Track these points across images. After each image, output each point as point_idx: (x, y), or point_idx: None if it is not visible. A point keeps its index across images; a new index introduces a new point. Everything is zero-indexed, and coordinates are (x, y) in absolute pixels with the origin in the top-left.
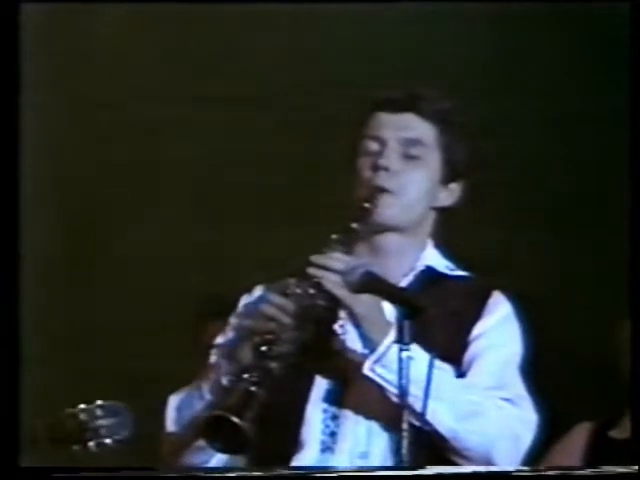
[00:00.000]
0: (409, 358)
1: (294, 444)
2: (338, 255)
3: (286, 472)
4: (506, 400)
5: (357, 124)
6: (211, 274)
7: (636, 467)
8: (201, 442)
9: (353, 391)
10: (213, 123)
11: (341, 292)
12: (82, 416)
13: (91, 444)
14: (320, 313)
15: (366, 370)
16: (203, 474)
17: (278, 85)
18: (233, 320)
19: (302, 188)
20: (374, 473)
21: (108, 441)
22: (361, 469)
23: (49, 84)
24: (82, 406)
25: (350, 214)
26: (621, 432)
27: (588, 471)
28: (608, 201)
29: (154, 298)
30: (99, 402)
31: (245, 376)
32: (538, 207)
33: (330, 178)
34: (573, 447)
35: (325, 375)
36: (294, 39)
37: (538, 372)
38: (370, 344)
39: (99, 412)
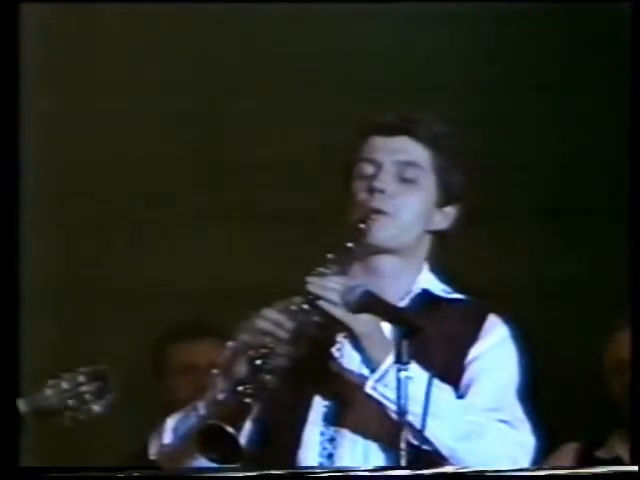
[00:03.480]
0: (407, 378)
1: (292, 466)
2: (336, 278)
3: (286, 472)
4: (504, 422)
5: (352, 148)
6: (212, 275)
7: (636, 467)
8: (198, 460)
9: (351, 411)
10: (212, 122)
11: (340, 313)
12: (64, 384)
13: (77, 412)
14: (315, 329)
15: (368, 389)
16: (203, 474)
17: (278, 85)
18: (230, 341)
19: (302, 188)
20: (374, 473)
21: (94, 406)
22: (361, 469)
23: (49, 84)
24: (64, 374)
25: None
26: (607, 452)
27: (588, 471)
28: (608, 207)
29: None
30: (81, 369)
31: (240, 389)
32: (535, 225)
33: (331, 179)
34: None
35: (323, 395)
36: (294, 39)
37: (536, 389)
38: (371, 363)
39: (81, 378)
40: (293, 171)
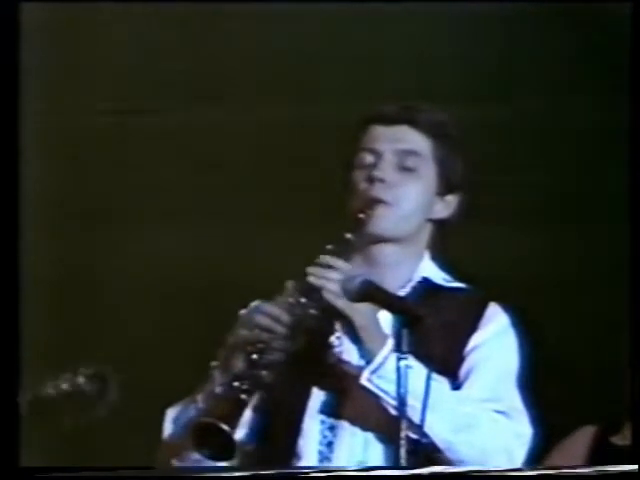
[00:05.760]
0: (407, 367)
1: (292, 454)
2: (338, 262)
3: (287, 472)
4: (501, 413)
5: (352, 137)
6: (211, 275)
7: (636, 467)
8: (195, 453)
9: (349, 402)
10: (213, 121)
11: (341, 303)
12: (64, 385)
13: (78, 413)
14: (313, 322)
15: (363, 380)
16: (202, 474)
17: (278, 84)
18: (230, 334)
19: (302, 188)
20: (372, 473)
21: (95, 409)
22: (360, 469)
23: (49, 83)
24: (64, 375)
25: (346, 225)
26: (622, 438)
27: (588, 471)
28: (608, 207)
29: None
30: (81, 369)
31: (235, 384)
32: (535, 216)
33: (330, 179)
34: (575, 450)
35: (321, 386)
36: (294, 39)
37: (537, 379)
38: (367, 355)
39: (81, 379)
40: (293, 171)
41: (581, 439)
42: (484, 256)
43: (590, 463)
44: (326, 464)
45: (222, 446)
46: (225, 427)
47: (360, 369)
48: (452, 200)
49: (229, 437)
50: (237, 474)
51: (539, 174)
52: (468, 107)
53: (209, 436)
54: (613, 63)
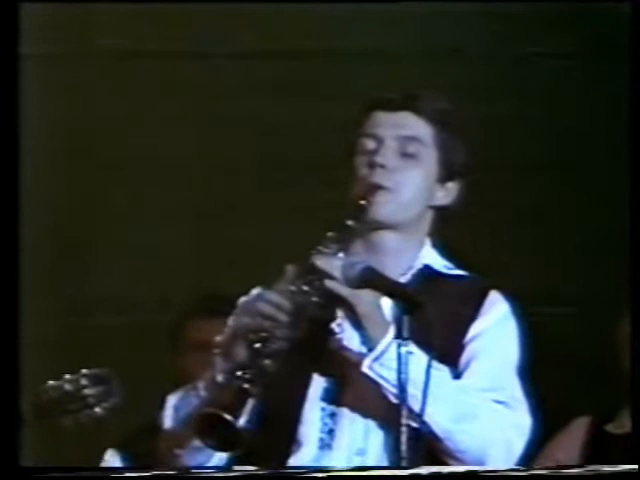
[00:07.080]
0: (408, 353)
1: (293, 442)
2: (339, 257)
3: (285, 471)
4: (500, 403)
5: (354, 123)
6: (210, 271)
7: (636, 466)
8: (198, 442)
9: (350, 389)
10: (213, 119)
11: (344, 290)
12: (67, 387)
13: (80, 415)
14: (315, 311)
15: (365, 368)
16: (203, 474)
17: (277, 83)
18: (231, 319)
19: (301, 187)
20: (371, 472)
21: (97, 410)
22: (359, 468)
23: (49, 83)
24: (66, 376)
25: (347, 212)
26: (617, 427)
27: (588, 470)
28: (608, 200)
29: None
30: (83, 371)
31: (239, 374)
32: (537, 206)
33: (330, 176)
34: (571, 441)
35: (322, 374)
36: (294, 39)
37: (536, 369)
38: (369, 342)
39: (84, 381)
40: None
41: (577, 430)
42: (485, 244)
43: (587, 453)
44: (327, 451)
45: (227, 437)
46: (230, 418)
47: (361, 356)
48: (453, 187)
49: (234, 428)
50: (234, 474)
51: (538, 172)
52: (466, 106)
53: (213, 426)
54: (613, 63)
